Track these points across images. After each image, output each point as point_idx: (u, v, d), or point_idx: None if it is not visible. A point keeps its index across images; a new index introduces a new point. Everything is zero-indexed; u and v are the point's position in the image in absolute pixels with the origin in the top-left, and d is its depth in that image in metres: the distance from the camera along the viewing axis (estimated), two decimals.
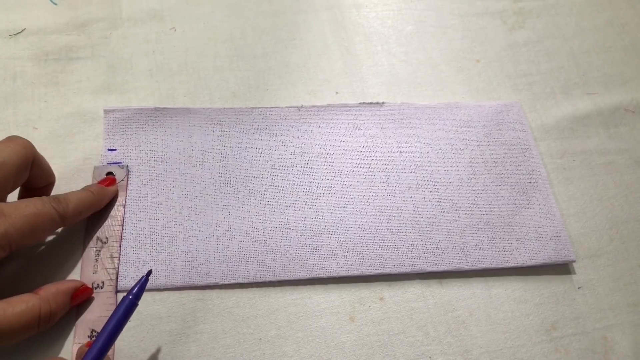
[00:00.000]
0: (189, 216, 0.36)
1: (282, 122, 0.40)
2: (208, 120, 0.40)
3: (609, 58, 0.48)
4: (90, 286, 0.33)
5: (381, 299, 0.35)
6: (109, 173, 0.37)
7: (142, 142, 0.38)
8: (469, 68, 0.46)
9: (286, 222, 0.36)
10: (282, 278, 0.35)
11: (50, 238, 0.34)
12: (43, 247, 0.34)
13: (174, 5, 0.45)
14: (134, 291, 0.29)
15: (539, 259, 0.37)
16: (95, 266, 0.33)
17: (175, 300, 0.34)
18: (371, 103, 0.42)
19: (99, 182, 0.36)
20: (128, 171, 0.37)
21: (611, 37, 0.49)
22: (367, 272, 0.35)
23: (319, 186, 0.38)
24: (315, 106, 0.41)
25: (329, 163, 0.39)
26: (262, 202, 0.37)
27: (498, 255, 0.37)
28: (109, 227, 0.35)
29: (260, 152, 0.39)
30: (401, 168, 0.40)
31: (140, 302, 0.29)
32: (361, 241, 0.36)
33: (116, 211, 0.35)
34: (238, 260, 0.35)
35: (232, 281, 0.34)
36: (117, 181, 0.36)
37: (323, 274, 0.35)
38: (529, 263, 0.37)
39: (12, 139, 0.31)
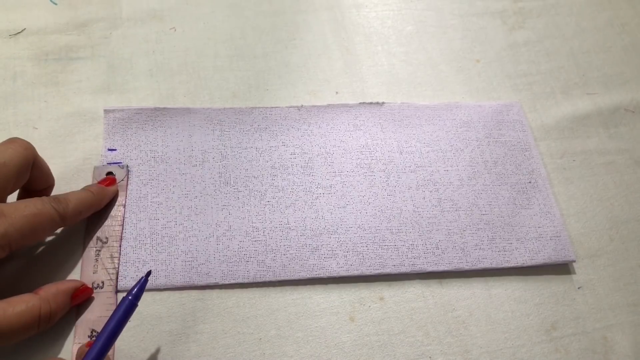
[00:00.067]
0: (189, 216, 0.36)
1: (282, 122, 0.40)
2: (208, 120, 0.40)
3: (609, 58, 0.48)
4: (90, 286, 0.33)
5: (381, 299, 0.35)
6: (109, 173, 0.37)
7: (142, 142, 0.38)
8: (469, 68, 0.46)
9: (286, 222, 0.36)
10: (282, 278, 0.35)
11: (50, 238, 0.34)
12: (43, 247, 0.34)
13: (174, 5, 0.45)
14: (134, 292, 0.29)
15: (539, 259, 0.37)
16: (95, 266, 0.33)
17: (175, 300, 0.34)
18: (371, 103, 0.42)
19: (99, 182, 0.36)
20: (128, 171, 0.37)
21: (611, 37, 0.49)
22: (367, 272, 0.35)
23: (319, 186, 0.38)
24: (315, 106, 0.41)
25: (329, 163, 0.39)
26: (262, 202, 0.37)
27: (498, 255, 0.37)
28: (109, 227, 0.35)
29: (260, 152, 0.39)
30: (401, 168, 0.40)
31: (140, 302, 0.29)
32: (361, 241, 0.36)
33: (116, 211, 0.35)
34: (238, 260, 0.35)
35: (232, 281, 0.34)
36: (117, 181, 0.36)
37: (323, 274, 0.35)
38: (529, 263, 0.37)
39: (13, 140, 0.31)
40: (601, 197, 0.41)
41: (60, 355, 0.31)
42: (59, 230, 0.34)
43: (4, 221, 0.27)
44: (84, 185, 0.35)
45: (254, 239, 0.36)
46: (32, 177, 0.31)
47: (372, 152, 0.40)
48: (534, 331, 0.35)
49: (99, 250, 0.34)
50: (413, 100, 0.43)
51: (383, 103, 0.42)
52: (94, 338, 0.31)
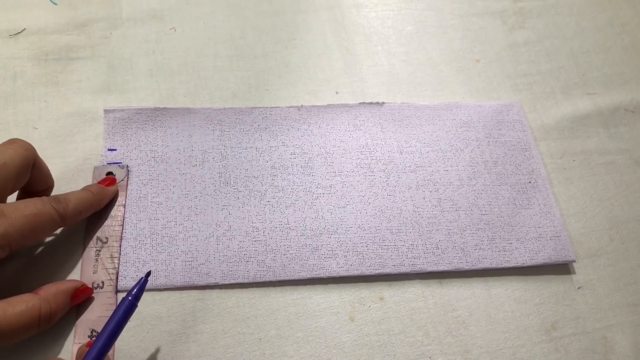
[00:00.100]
0: (189, 216, 0.36)
1: (282, 122, 0.40)
2: (208, 120, 0.40)
3: (609, 58, 0.48)
4: (90, 286, 0.33)
5: (381, 299, 0.35)
6: (109, 173, 0.37)
7: (142, 142, 0.38)
8: (469, 68, 0.46)
9: (286, 222, 0.36)
10: (282, 278, 0.35)
11: (50, 238, 0.34)
12: (43, 247, 0.34)
13: (174, 5, 0.45)
14: (134, 292, 0.29)
15: (539, 259, 0.37)
16: (95, 266, 0.33)
17: (175, 300, 0.34)
18: (371, 103, 0.42)
19: (99, 182, 0.36)
20: (128, 171, 0.37)
21: (611, 37, 0.49)
22: (367, 272, 0.35)
23: (319, 186, 0.38)
24: (315, 106, 0.41)
25: (329, 163, 0.39)
26: (262, 202, 0.37)
27: (498, 255, 0.37)
28: (109, 227, 0.35)
29: (260, 152, 0.39)
30: (401, 168, 0.40)
31: (140, 302, 0.29)
32: (361, 241, 0.36)
33: (116, 211, 0.35)
34: (238, 260, 0.35)
35: (232, 281, 0.34)
36: (117, 181, 0.36)
37: (323, 274, 0.35)
38: (529, 263, 0.37)
39: (13, 141, 0.31)
40: (601, 197, 0.41)
41: (60, 355, 0.31)
42: (59, 230, 0.34)
43: (4, 221, 0.27)
44: (84, 185, 0.35)
45: (254, 239, 0.36)
46: (31, 178, 0.31)
47: (372, 152, 0.40)
48: (534, 331, 0.35)
49: (99, 250, 0.34)
50: (413, 100, 0.43)
51: (383, 103, 0.42)
52: (94, 338, 0.31)
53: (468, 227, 0.38)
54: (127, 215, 0.35)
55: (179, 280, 0.34)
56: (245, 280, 0.34)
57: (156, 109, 0.39)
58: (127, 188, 0.36)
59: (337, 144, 0.40)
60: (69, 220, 0.31)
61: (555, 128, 0.43)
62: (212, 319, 0.33)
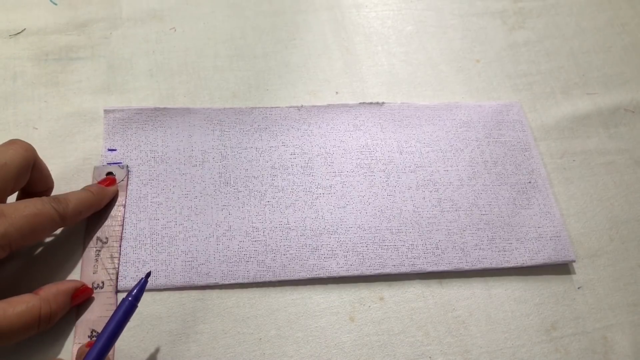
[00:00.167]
0: (189, 216, 0.36)
1: (282, 122, 0.40)
2: (208, 120, 0.40)
3: (609, 58, 0.48)
4: (91, 286, 0.33)
5: (381, 299, 0.35)
6: (109, 173, 0.37)
7: (142, 142, 0.38)
8: (469, 68, 0.46)
9: (286, 222, 0.36)
10: (282, 278, 0.35)
11: (50, 238, 0.34)
12: (43, 247, 0.34)
13: (174, 5, 0.45)
14: (134, 293, 0.29)
15: (539, 259, 0.37)
16: (95, 266, 0.33)
17: (175, 300, 0.34)
18: (371, 103, 0.42)
19: (99, 182, 0.36)
20: (128, 171, 0.37)
21: (611, 37, 0.49)
22: (367, 272, 0.35)
23: (319, 186, 0.38)
24: (315, 106, 0.41)
25: (329, 163, 0.39)
26: (262, 202, 0.37)
27: (498, 255, 0.37)
28: (109, 227, 0.35)
29: (260, 152, 0.39)
30: (401, 168, 0.40)
31: (140, 303, 0.29)
32: (361, 241, 0.36)
33: (116, 211, 0.35)
34: (238, 260, 0.35)
35: (232, 281, 0.34)
36: (117, 181, 0.36)
37: (323, 274, 0.35)
38: (529, 263, 0.37)
39: (14, 141, 0.31)
40: (601, 197, 0.41)
41: (60, 356, 0.31)
42: (59, 231, 0.34)
43: (4, 221, 0.27)
44: (84, 185, 0.35)
45: (254, 239, 0.36)
46: (31, 178, 0.31)
47: (372, 152, 0.40)
48: (534, 331, 0.35)
49: (99, 251, 0.34)
50: (413, 100, 0.43)
51: (383, 103, 0.42)
52: (94, 338, 0.31)
53: (468, 227, 0.38)
54: (127, 215, 0.35)
55: (179, 281, 0.34)
56: (245, 280, 0.34)
57: (156, 109, 0.39)
58: (127, 188, 0.36)
59: (337, 144, 0.40)
60: (69, 220, 0.31)
61: (555, 128, 0.43)
62: (212, 319, 0.33)
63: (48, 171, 0.33)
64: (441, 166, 0.40)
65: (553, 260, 0.37)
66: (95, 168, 0.37)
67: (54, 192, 0.35)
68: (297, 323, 0.34)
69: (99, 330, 0.31)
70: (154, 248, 0.35)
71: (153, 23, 0.44)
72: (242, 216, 0.36)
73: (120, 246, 0.34)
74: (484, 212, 0.38)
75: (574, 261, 0.38)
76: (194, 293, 0.34)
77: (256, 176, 0.38)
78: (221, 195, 0.37)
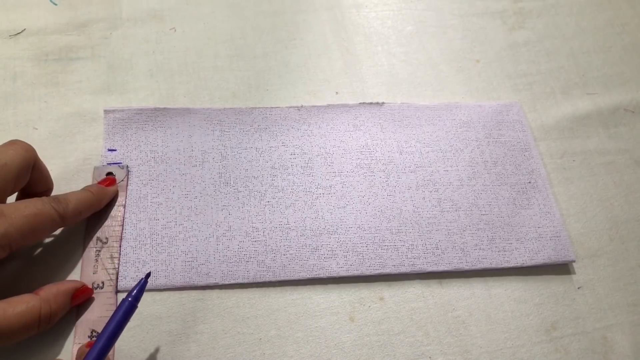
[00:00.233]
0: (189, 216, 0.36)
1: (282, 122, 0.40)
2: (208, 120, 0.40)
3: (609, 58, 0.48)
4: (91, 286, 0.33)
5: (381, 299, 0.35)
6: (109, 173, 0.37)
7: (142, 142, 0.38)
8: (469, 68, 0.46)
9: (286, 222, 0.36)
10: (282, 278, 0.35)
11: (50, 238, 0.34)
12: (43, 247, 0.34)
13: (174, 5, 0.46)
14: (134, 293, 0.29)
15: (539, 259, 0.37)
16: (95, 266, 0.33)
17: (175, 300, 0.34)
18: (371, 103, 0.42)
19: (99, 182, 0.36)
20: (128, 171, 0.37)
21: (611, 37, 0.49)
22: (367, 272, 0.35)
23: (318, 186, 0.38)
24: (315, 106, 0.41)
25: (328, 163, 0.39)
26: (262, 202, 0.37)
27: (498, 255, 0.37)
28: (109, 228, 0.35)
29: (260, 152, 0.39)
30: (401, 168, 0.40)
31: (140, 303, 0.29)
32: (361, 241, 0.36)
33: (116, 211, 0.35)
34: (238, 260, 0.35)
35: (232, 281, 0.34)
36: (117, 181, 0.36)
37: (323, 274, 0.35)
38: (529, 263, 0.37)
39: (14, 142, 0.31)
40: (601, 197, 0.41)
41: (60, 356, 0.31)
42: (59, 231, 0.34)
43: (4, 221, 0.27)
44: (84, 185, 0.35)
45: (254, 239, 0.36)
46: (31, 179, 0.31)
47: (372, 152, 0.40)
48: (534, 331, 0.35)
49: (99, 251, 0.34)
50: (413, 100, 0.43)
51: (383, 103, 0.42)
52: (94, 338, 0.31)
53: (468, 227, 0.38)
54: (127, 215, 0.35)
55: (179, 281, 0.34)
56: (245, 281, 0.34)
57: (156, 109, 0.39)
58: (127, 188, 0.36)
59: (337, 144, 0.40)
60: (69, 221, 0.31)
61: (555, 128, 0.43)
62: (212, 319, 0.33)
63: (48, 172, 0.33)
64: (441, 166, 0.40)
65: (553, 260, 0.37)
66: (95, 168, 0.37)
67: (54, 192, 0.35)
68: (297, 323, 0.34)
69: (99, 330, 0.31)
70: (154, 248, 0.35)
71: (153, 23, 0.44)
72: (242, 216, 0.36)
73: (120, 246, 0.34)
74: (484, 212, 0.38)
75: (574, 261, 0.38)
76: (194, 293, 0.34)
77: (256, 176, 0.38)
78: (221, 195, 0.37)
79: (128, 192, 0.36)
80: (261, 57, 0.44)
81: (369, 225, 0.37)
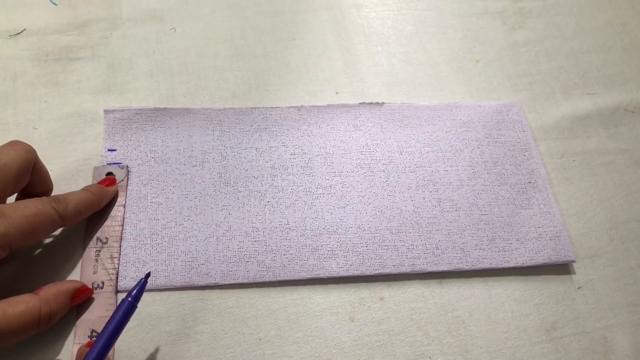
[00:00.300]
0: (189, 216, 0.36)
1: (282, 123, 0.40)
2: (208, 120, 0.40)
3: (609, 58, 0.48)
4: (90, 286, 0.33)
5: (381, 299, 0.35)
6: (109, 173, 0.37)
7: (142, 142, 0.38)
8: (469, 68, 0.46)
9: (286, 222, 0.36)
10: (282, 278, 0.35)
11: (50, 238, 0.34)
12: (43, 247, 0.34)
13: (174, 5, 0.46)
14: (133, 293, 0.29)
15: (539, 259, 0.37)
16: (95, 266, 0.33)
17: (175, 300, 0.34)
18: (371, 103, 0.42)
19: (99, 182, 0.36)
20: (128, 171, 0.37)
21: (611, 37, 0.49)
22: (367, 272, 0.35)
23: (318, 186, 0.38)
24: (315, 106, 0.41)
25: (328, 163, 0.39)
26: (262, 202, 0.37)
27: (498, 255, 0.37)
28: (109, 228, 0.35)
29: (260, 152, 0.39)
30: (401, 168, 0.40)
31: (140, 303, 0.29)
32: (361, 241, 0.36)
33: (116, 211, 0.35)
34: (238, 261, 0.35)
35: (232, 281, 0.34)
36: (117, 181, 0.36)
37: (323, 274, 0.35)
38: (528, 263, 0.37)
39: (14, 143, 0.31)
40: (601, 197, 0.41)
41: (60, 356, 0.31)
42: (59, 231, 0.34)
43: (4, 221, 0.27)
44: (84, 185, 0.35)
45: (254, 239, 0.36)
46: (31, 180, 0.31)
47: (372, 152, 0.40)
48: (534, 331, 0.35)
49: (99, 251, 0.34)
50: (413, 100, 0.43)
51: (383, 103, 0.42)
52: (94, 338, 0.31)
53: (468, 227, 0.38)
54: (127, 215, 0.35)
55: (179, 281, 0.34)
56: (245, 281, 0.34)
57: (156, 109, 0.39)
58: (127, 188, 0.36)
59: (337, 144, 0.40)
60: (69, 221, 0.31)
61: (555, 128, 0.43)
62: (212, 319, 0.33)
63: (48, 173, 0.33)
64: (441, 166, 0.40)
65: (553, 260, 0.37)
66: (95, 168, 0.37)
67: (54, 193, 0.35)
68: (297, 323, 0.34)
69: (99, 330, 0.31)
70: (154, 248, 0.35)
71: (153, 23, 0.44)
72: (242, 216, 0.36)
73: (120, 246, 0.34)
74: (484, 212, 0.38)
75: (574, 261, 0.38)
76: (194, 293, 0.34)
77: (256, 176, 0.38)
78: (221, 195, 0.37)
79: (128, 192, 0.36)
80: (261, 57, 0.44)
81: (369, 225, 0.37)
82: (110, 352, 0.31)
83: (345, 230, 0.37)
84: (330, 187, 0.38)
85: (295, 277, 0.35)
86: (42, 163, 0.32)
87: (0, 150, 0.30)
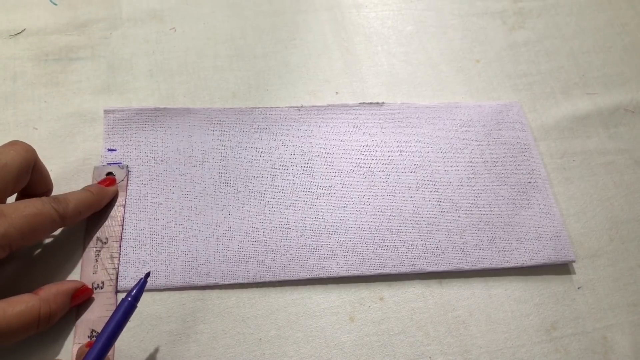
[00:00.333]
0: (189, 216, 0.36)
1: (282, 123, 0.40)
2: (208, 120, 0.40)
3: (609, 58, 0.48)
4: (90, 286, 0.33)
5: (381, 299, 0.35)
6: (109, 173, 0.37)
7: (142, 142, 0.38)
8: (469, 68, 0.46)
9: (286, 222, 0.36)
10: (282, 278, 0.35)
11: (50, 238, 0.34)
12: (43, 247, 0.34)
13: (174, 5, 0.46)
14: (133, 293, 0.29)
15: (539, 259, 0.37)
16: (95, 266, 0.33)
17: (175, 300, 0.34)
18: (371, 103, 0.42)
19: (99, 182, 0.36)
20: (128, 171, 0.37)
21: (611, 37, 0.49)
22: (367, 272, 0.35)
23: (318, 186, 0.38)
24: (315, 106, 0.41)
25: (329, 163, 0.39)
26: (262, 202, 0.37)
27: (498, 255, 0.37)
28: (109, 228, 0.35)
29: (260, 152, 0.39)
30: (401, 168, 0.40)
31: (140, 303, 0.29)
32: (361, 241, 0.36)
33: (116, 211, 0.35)
34: (238, 261, 0.35)
35: (232, 281, 0.34)
36: (117, 181, 0.36)
37: (323, 274, 0.35)
38: (528, 263, 0.37)
39: (14, 142, 0.31)
40: (601, 197, 0.41)
41: (60, 356, 0.31)
42: (59, 231, 0.34)
43: (4, 221, 0.27)
44: (84, 185, 0.35)
45: (254, 239, 0.36)
46: (31, 180, 0.31)
47: (372, 152, 0.40)
48: (534, 331, 0.35)
49: (99, 251, 0.34)
50: (413, 100, 0.43)
51: (383, 103, 0.42)
52: (93, 338, 0.31)
53: (468, 227, 0.38)
54: (127, 215, 0.35)
55: (179, 281, 0.34)
56: (245, 281, 0.34)
57: (156, 109, 0.39)
58: (127, 188, 0.36)
59: (337, 144, 0.40)
60: (69, 220, 0.31)
61: (555, 128, 0.43)
62: (212, 319, 0.33)
63: (48, 173, 0.33)
64: (441, 166, 0.40)
65: (553, 260, 0.37)
66: (95, 168, 0.37)
67: (54, 193, 0.35)
68: (297, 323, 0.34)
69: (99, 330, 0.31)
70: (154, 248, 0.35)
71: (153, 23, 0.44)
72: (242, 216, 0.36)
73: (120, 246, 0.34)
74: (484, 212, 0.38)
75: (574, 261, 0.38)
76: (194, 293, 0.34)
77: (256, 176, 0.38)
78: (221, 195, 0.37)
79: (128, 192, 0.36)
80: (261, 57, 0.44)
81: (369, 225, 0.37)
82: (110, 352, 0.31)
83: (345, 230, 0.37)
84: (330, 187, 0.38)
85: (295, 277, 0.35)
86: (42, 163, 0.32)
87: (0, 150, 0.30)
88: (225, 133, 0.39)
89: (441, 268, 0.36)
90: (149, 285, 0.32)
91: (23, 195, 0.33)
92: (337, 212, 0.37)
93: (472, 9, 0.49)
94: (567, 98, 0.45)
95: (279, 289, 0.35)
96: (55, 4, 0.44)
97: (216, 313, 0.34)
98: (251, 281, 0.34)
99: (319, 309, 0.34)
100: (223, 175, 0.38)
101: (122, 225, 0.35)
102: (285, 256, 0.35)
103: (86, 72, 0.41)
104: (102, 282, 0.33)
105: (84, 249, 0.34)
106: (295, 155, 0.39)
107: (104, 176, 0.36)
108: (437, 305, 0.35)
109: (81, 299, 0.32)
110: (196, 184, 0.37)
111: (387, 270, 0.36)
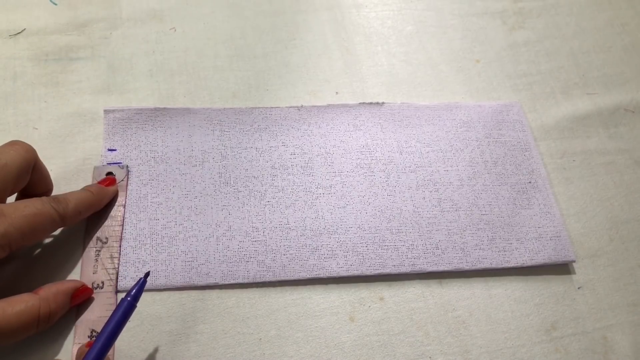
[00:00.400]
0: (189, 216, 0.36)
1: (282, 122, 0.40)
2: (208, 120, 0.40)
3: (609, 58, 0.48)
4: (90, 286, 0.33)
5: (381, 299, 0.35)
6: (109, 173, 0.37)
7: (142, 142, 0.38)
8: (469, 68, 0.46)
9: (286, 222, 0.36)
10: (282, 278, 0.35)
11: (50, 238, 0.34)
12: (43, 247, 0.34)
13: (174, 5, 0.46)
14: (132, 293, 0.29)
15: (539, 259, 0.37)
16: (95, 266, 0.33)
17: (175, 300, 0.34)
18: (371, 103, 0.42)
19: (99, 182, 0.36)
20: (128, 171, 0.37)
21: (611, 37, 0.49)
22: (367, 272, 0.35)
23: (319, 186, 0.38)
24: (315, 106, 0.41)
25: (329, 163, 0.39)
26: (262, 202, 0.37)
27: (498, 255, 0.37)
28: (109, 227, 0.35)
29: (260, 152, 0.39)
30: (401, 168, 0.40)
31: (140, 303, 0.29)
32: (361, 241, 0.36)
33: (116, 211, 0.35)
34: (238, 260, 0.35)
35: (232, 281, 0.34)
36: (117, 181, 0.36)
37: (323, 274, 0.35)
38: (529, 263, 0.37)
39: (15, 142, 0.31)
40: (601, 197, 0.41)
41: (60, 356, 0.31)
42: (59, 231, 0.34)
43: (4, 221, 0.27)
44: (84, 185, 0.35)
45: (254, 239, 0.36)
46: (31, 180, 0.31)
47: (372, 152, 0.40)
48: (534, 331, 0.35)
49: (99, 251, 0.34)
50: (413, 100, 0.43)
51: (383, 103, 0.42)
52: (93, 338, 0.31)
53: (468, 227, 0.38)
54: (127, 215, 0.35)
55: (178, 281, 0.34)
56: (245, 281, 0.34)
57: (156, 109, 0.39)
58: (127, 188, 0.36)
59: (337, 144, 0.40)
60: (69, 220, 0.31)
61: (555, 128, 0.43)
62: (212, 319, 0.33)
63: (48, 173, 0.33)
64: (441, 166, 0.40)
65: (553, 260, 0.37)
66: (95, 168, 0.37)
67: (54, 193, 0.35)
68: (297, 323, 0.34)
69: (99, 330, 0.31)
70: (154, 248, 0.35)
71: (153, 23, 0.44)
72: (242, 216, 0.36)
73: (120, 246, 0.34)
74: (484, 212, 0.38)
75: (574, 261, 0.38)
76: (194, 293, 0.34)
77: (256, 176, 0.38)
78: (221, 195, 0.37)
79: (128, 192, 0.36)
80: (261, 57, 0.44)
81: (369, 225, 0.37)
82: (110, 352, 0.31)
83: (345, 230, 0.37)
84: (330, 187, 0.38)
85: (295, 277, 0.35)
86: (42, 163, 0.32)
87: (0, 150, 0.30)
88: (225, 133, 0.39)
89: (441, 268, 0.36)
90: (148, 285, 0.32)
91: (23, 195, 0.33)
92: (337, 212, 0.37)
93: (472, 9, 0.49)
94: (567, 98, 0.45)
95: (279, 289, 0.35)
96: (55, 4, 0.44)
97: (216, 313, 0.34)
98: (251, 281, 0.34)
99: (319, 309, 0.34)
100: (223, 175, 0.38)
101: (122, 225, 0.35)
102: (285, 256, 0.35)
103: (86, 72, 0.41)
104: (102, 282, 0.33)
105: (84, 249, 0.34)
106: (295, 155, 0.39)
107: (104, 176, 0.36)
108: (437, 305, 0.35)
109: (81, 298, 0.32)
110: (196, 183, 0.37)
111: (387, 270, 0.36)
